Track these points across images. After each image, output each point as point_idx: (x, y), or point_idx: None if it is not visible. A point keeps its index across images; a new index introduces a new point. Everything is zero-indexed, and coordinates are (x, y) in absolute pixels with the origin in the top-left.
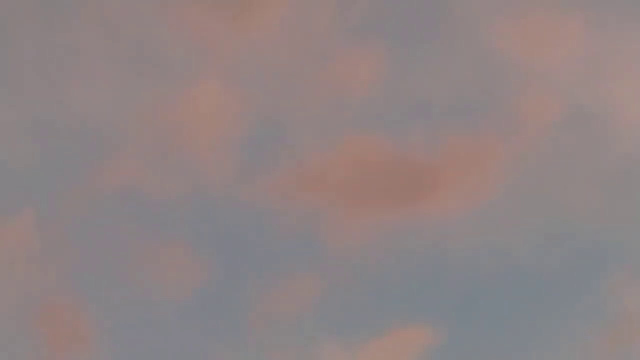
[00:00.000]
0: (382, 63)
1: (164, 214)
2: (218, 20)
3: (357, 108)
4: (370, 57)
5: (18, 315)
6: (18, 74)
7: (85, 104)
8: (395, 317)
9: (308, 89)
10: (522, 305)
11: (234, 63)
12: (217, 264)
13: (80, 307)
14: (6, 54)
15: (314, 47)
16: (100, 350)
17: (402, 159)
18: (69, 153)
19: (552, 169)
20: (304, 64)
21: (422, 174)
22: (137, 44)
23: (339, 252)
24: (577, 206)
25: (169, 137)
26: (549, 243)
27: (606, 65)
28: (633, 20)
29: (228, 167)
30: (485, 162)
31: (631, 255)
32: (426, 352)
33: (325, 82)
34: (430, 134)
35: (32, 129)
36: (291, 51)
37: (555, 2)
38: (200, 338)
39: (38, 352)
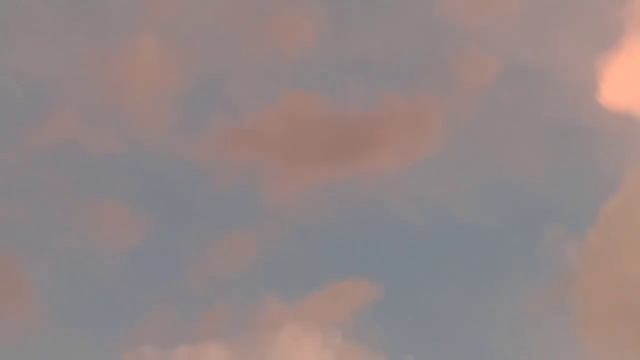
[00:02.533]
0: (320, 21)
1: (102, 169)
2: None
3: (295, 65)
4: (309, 14)
5: None
6: None
7: (23, 60)
8: (333, 272)
9: (246, 46)
10: (460, 261)
11: (172, 19)
12: (154, 220)
13: (18, 260)
14: None
15: (252, 4)
16: (38, 303)
17: (340, 116)
18: (7, 108)
19: (490, 126)
20: (241, 21)
21: (360, 131)
22: (75, 0)
23: (277, 209)
24: (514, 164)
25: (107, 92)
26: (487, 200)
27: (544, 25)
28: None
29: (165, 123)
30: (423, 120)
31: (568, 211)
32: (364, 305)
33: (263, 40)
34: (368, 91)
35: None
36: (229, 8)
37: None
38: (138, 294)
39: None
